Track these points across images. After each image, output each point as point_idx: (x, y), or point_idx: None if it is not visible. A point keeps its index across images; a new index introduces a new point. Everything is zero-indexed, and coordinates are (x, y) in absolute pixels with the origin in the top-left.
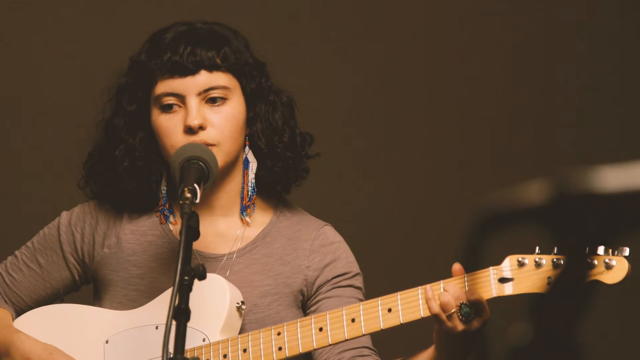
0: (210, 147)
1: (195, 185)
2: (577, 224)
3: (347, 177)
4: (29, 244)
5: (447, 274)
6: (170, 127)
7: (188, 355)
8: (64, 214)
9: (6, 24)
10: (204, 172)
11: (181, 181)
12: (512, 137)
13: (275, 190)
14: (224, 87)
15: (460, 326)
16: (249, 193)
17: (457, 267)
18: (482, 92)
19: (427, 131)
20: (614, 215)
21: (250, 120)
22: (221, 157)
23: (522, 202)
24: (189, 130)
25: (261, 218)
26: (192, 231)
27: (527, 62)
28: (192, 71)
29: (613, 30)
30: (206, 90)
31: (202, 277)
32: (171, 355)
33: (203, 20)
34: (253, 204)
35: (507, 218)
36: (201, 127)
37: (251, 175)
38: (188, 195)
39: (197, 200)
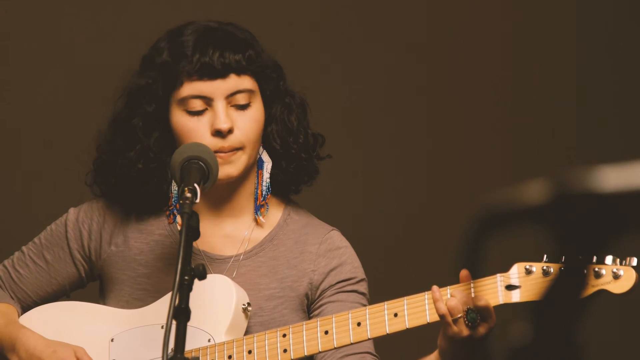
0: (237, 151)
1: (196, 185)
2: (577, 227)
3: (350, 180)
4: (35, 239)
5: (451, 276)
6: (196, 129)
7: (192, 354)
8: (72, 210)
9: (7, 21)
10: (204, 172)
11: (181, 181)
12: (513, 137)
13: (287, 190)
14: (249, 90)
15: (465, 331)
16: (263, 192)
17: (464, 273)
18: (483, 93)
19: (429, 132)
20: (614, 216)
21: (265, 121)
22: (245, 159)
23: (522, 201)
24: (218, 134)
25: (269, 220)
26: (192, 231)
27: (527, 63)
28: (222, 74)
29: (613, 30)
30: (233, 94)
31: (202, 277)
32: (171, 355)
33: (215, 20)
34: (267, 203)
35: (507, 218)
36: (229, 131)
37: (266, 175)
38: (188, 195)
39: (197, 200)
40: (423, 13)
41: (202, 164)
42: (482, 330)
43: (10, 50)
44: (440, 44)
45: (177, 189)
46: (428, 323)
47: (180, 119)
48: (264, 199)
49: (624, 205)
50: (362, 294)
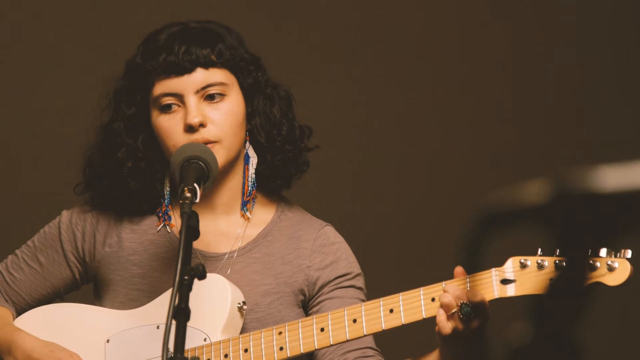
0: (212, 144)
1: (195, 184)
2: (577, 224)
3: (347, 175)
4: (29, 242)
5: (448, 273)
6: (170, 127)
7: (189, 355)
8: (65, 212)
9: (5, 25)
10: (203, 171)
11: (181, 181)
12: (513, 136)
13: (276, 185)
14: (222, 84)
15: (460, 325)
16: (249, 188)
17: (459, 269)
18: (484, 92)
19: (429, 129)
20: (613, 215)
21: (249, 115)
22: (223, 153)
23: (522, 201)
24: (190, 129)
25: (262, 216)
26: (192, 230)
27: (528, 62)
28: (189, 69)
29: (613, 30)
30: (204, 88)
31: (202, 276)
32: (171, 355)
33: (196, 20)
34: (253, 199)
35: (507, 217)
36: (202, 125)
37: (251, 170)
38: (188, 194)
39: (197, 200)
40: (425, 9)
41: (201, 163)
42: (476, 323)
43: (8, 52)
44: (441, 42)
45: (168, 189)
46: (424, 319)
47: (157, 119)
48: (250, 194)
49: (623, 205)
50: (360, 288)
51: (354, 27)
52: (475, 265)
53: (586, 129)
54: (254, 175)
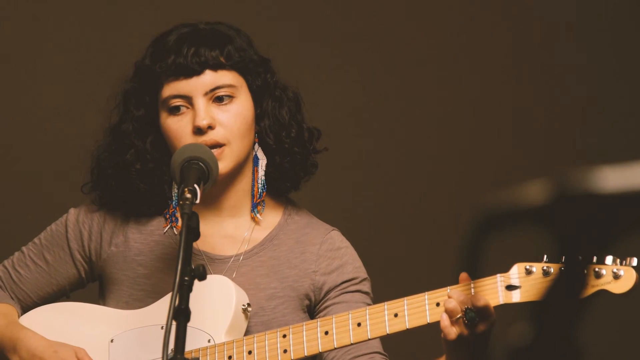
0: (221, 147)
1: (195, 185)
2: (578, 227)
3: (351, 178)
4: (36, 240)
5: (454, 278)
6: (179, 129)
7: (192, 355)
8: (72, 210)
9: (7, 26)
10: (204, 172)
11: (181, 181)
12: (514, 138)
13: (284, 187)
14: (230, 86)
15: (465, 331)
16: (259, 190)
17: (464, 275)
18: (485, 94)
19: (431, 132)
20: (614, 216)
21: (258, 117)
22: (232, 156)
23: (522, 202)
24: (198, 131)
25: (269, 220)
26: (192, 231)
27: (529, 64)
28: (197, 71)
29: (614, 32)
30: (212, 90)
31: (203, 277)
32: (171, 355)
33: (205, 21)
34: (263, 201)
35: (507, 219)
36: (210, 127)
37: (261, 172)
38: (188, 195)
39: (197, 201)
40: (427, 11)
41: (202, 164)
42: (481, 327)
43: (11, 53)
44: (442, 44)
45: (176, 191)
46: (428, 323)
47: (165, 120)
48: (260, 196)
49: (624, 206)
50: (366, 293)
51: (355, 29)
52: (475, 268)
53: (587, 129)
54: (263, 177)
